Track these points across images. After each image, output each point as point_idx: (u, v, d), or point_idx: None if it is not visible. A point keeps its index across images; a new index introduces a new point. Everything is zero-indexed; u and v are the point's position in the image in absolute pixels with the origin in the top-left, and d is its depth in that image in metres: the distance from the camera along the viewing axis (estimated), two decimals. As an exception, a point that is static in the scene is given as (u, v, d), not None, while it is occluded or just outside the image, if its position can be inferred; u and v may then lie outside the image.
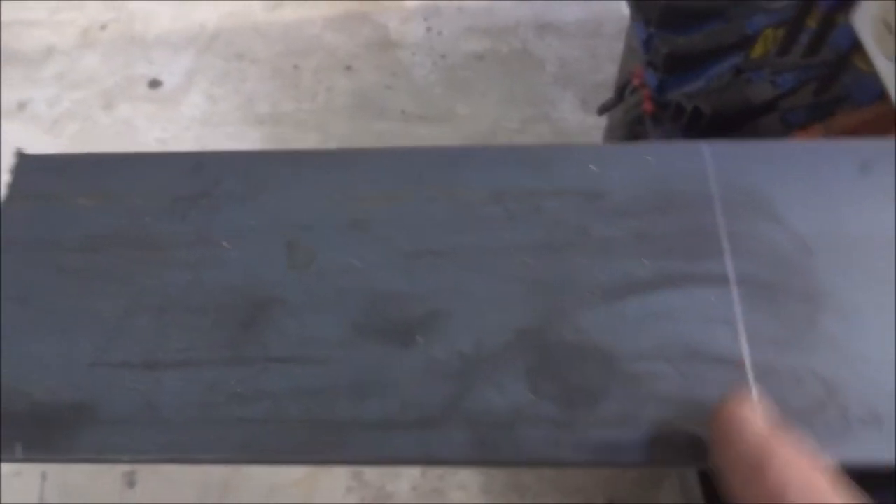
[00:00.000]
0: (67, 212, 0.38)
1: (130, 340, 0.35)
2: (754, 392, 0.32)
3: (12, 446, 0.33)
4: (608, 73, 1.74)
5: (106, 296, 0.36)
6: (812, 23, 0.80)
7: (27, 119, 1.81)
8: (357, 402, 0.33)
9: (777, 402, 0.32)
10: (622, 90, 1.16)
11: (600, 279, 0.35)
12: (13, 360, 0.35)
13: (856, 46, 0.72)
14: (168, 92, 1.85)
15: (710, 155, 0.38)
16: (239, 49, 1.91)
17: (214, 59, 1.90)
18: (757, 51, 0.89)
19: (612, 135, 1.37)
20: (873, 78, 0.69)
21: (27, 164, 0.40)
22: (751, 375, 0.33)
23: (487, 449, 0.32)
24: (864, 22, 0.64)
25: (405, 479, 1.29)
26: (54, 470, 1.31)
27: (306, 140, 1.73)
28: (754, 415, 0.29)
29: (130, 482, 1.30)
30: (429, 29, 1.93)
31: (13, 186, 0.39)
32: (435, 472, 1.29)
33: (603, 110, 1.26)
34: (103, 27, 1.98)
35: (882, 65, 0.63)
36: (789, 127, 0.80)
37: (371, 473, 1.29)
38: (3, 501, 1.29)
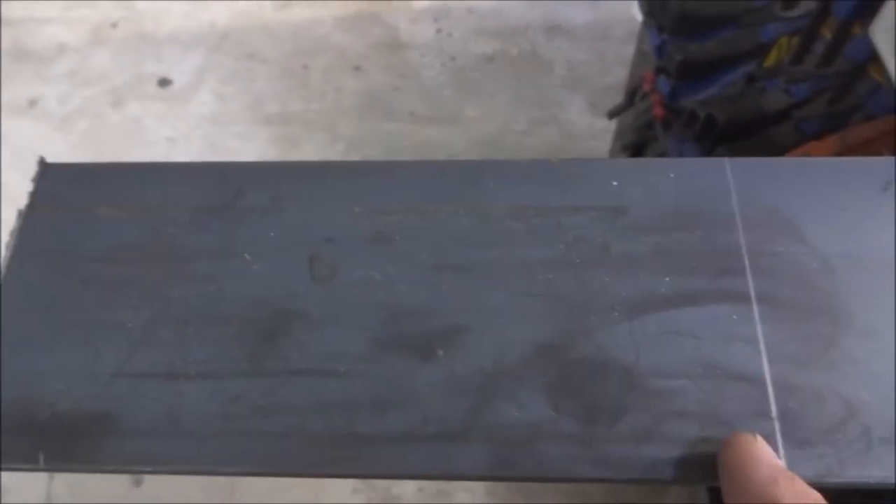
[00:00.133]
0: (90, 221, 0.38)
1: (153, 352, 0.35)
2: (774, 411, 0.32)
3: (35, 456, 0.33)
4: (617, 76, 1.74)
5: (128, 307, 0.36)
6: (827, 32, 0.80)
7: (38, 116, 1.82)
8: (378, 416, 0.33)
9: (798, 420, 0.32)
10: (632, 95, 1.16)
11: (621, 295, 0.35)
12: (36, 370, 0.35)
13: (872, 57, 0.72)
14: (177, 90, 1.85)
15: (732, 172, 0.38)
16: (249, 48, 1.92)
17: (224, 59, 1.90)
18: (771, 59, 0.89)
19: (621, 139, 1.37)
20: (889, 89, 0.69)
21: (49, 173, 0.40)
22: (771, 393, 0.33)
23: (507, 464, 0.32)
24: (883, 33, 0.64)
25: (411, 481, 1.29)
26: (62, 467, 1.31)
27: (315, 140, 1.74)
28: (765, 453, 0.29)
29: (137, 481, 1.30)
30: (438, 30, 1.93)
31: (35, 195, 0.39)
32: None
33: (613, 114, 1.26)
34: (114, 25, 1.99)
35: (899, 76, 0.63)
36: (803, 136, 0.80)
37: (377, 475, 1.29)
38: (11, 498, 1.30)
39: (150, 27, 1.98)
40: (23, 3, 2.03)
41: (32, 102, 1.84)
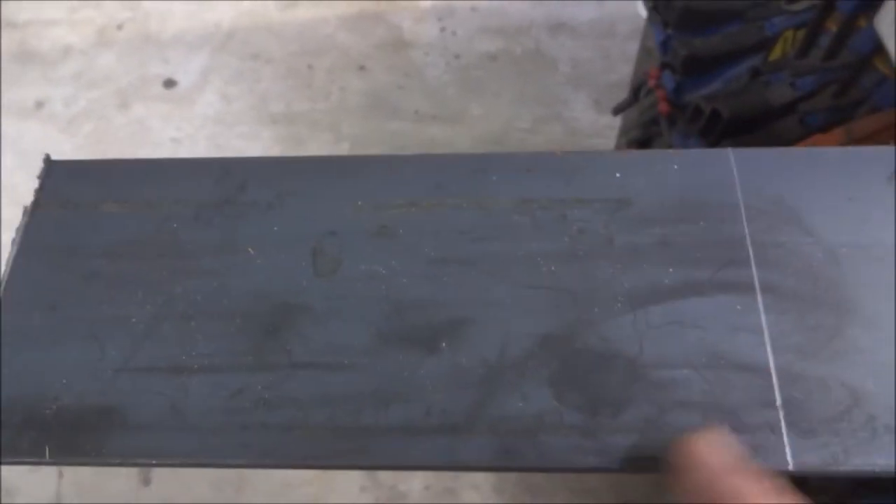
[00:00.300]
0: (94, 218, 0.38)
1: (157, 346, 0.35)
2: (778, 400, 0.32)
3: (41, 449, 0.33)
4: (621, 73, 1.74)
5: (133, 302, 0.36)
6: (832, 25, 0.79)
7: (44, 118, 1.83)
8: (381, 409, 0.33)
9: (802, 410, 0.32)
10: (637, 91, 1.16)
11: (625, 287, 0.35)
12: (42, 365, 0.35)
13: (877, 49, 0.71)
14: (183, 91, 1.86)
15: (736, 163, 0.38)
16: (253, 49, 1.92)
17: (229, 59, 1.91)
18: (776, 53, 0.89)
19: (626, 135, 1.37)
20: (894, 81, 0.69)
21: (54, 171, 0.40)
22: (776, 383, 0.33)
23: (511, 455, 0.32)
24: (887, 24, 0.63)
25: (418, 479, 1.29)
26: (71, 468, 1.32)
27: (319, 139, 1.74)
28: (712, 450, 0.29)
29: (146, 480, 1.31)
30: (442, 29, 1.93)
31: (41, 192, 0.39)
32: (448, 472, 1.29)
33: (618, 111, 1.26)
34: (120, 27, 1.99)
35: (904, 68, 0.62)
36: (809, 130, 0.80)
37: (384, 473, 1.29)
38: (21, 498, 1.30)
39: (155, 28, 1.99)
40: (29, 6, 2.04)
41: (39, 104, 1.85)
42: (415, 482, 1.29)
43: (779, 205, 0.36)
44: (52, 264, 0.37)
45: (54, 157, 0.41)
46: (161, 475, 1.31)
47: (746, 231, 0.36)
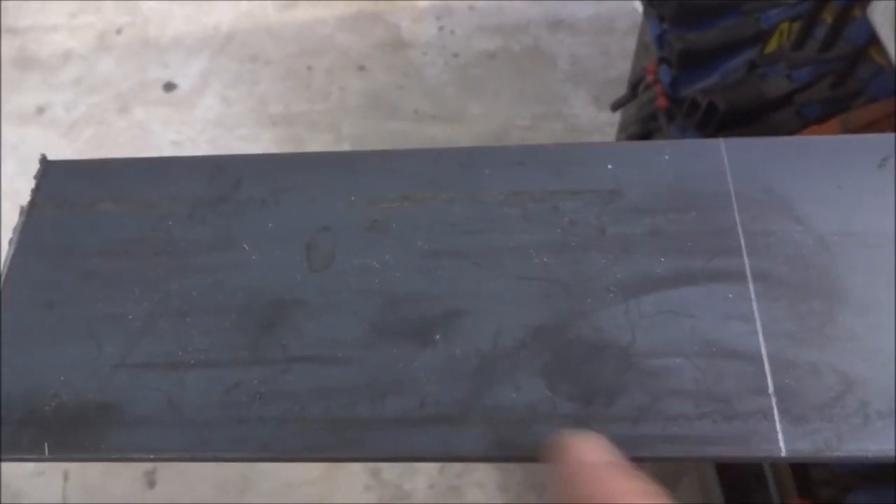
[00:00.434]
0: (91, 217, 0.39)
1: (154, 342, 0.35)
2: (770, 387, 0.32)
3: (40, 446, 0.34)
4: (620, 69, 1.74)
5: (129, 299, 0.36)
6: (828, 16, 0.79)
7: (45, 123, 1.84)
8: (376, 401, 0.33)
9: (795, 396, 0.32)
10: (635, 86, 1.16)
11: (617, 277, 0.35)
12: (40, 363, 0.35)
13: (873, 39, 0.71)
14: (182, 95, 1.87)
15: (727, 152, 0.38)
16: (252, 50, 1.92)
17: (228, 62, 1.91)
18: (772, 45, 0.89)
19: (625, 131, 1.37)
20: (890, 71, 0.69)
21: (51, 171, 0.40)
22: (768, 370, 0.33)
23: (505, 445, 0.32)
24: (882, 14, 0.63)
25: (422, 478, 1.29)
26: (76, 470, 1.33)
27: (319, 140, 1.74)
28: (586, 448, 0.30)
29: (151, 482, 1.31)
30: (441, 28, 1.93)
31: (38, 192, 0.40)
32: (452, 470, 1.29)
33: (616, 107, 1.26)
34: (119, 31, 2.00)
35: (899, 58, 0.62)
36: (805, 121, 0.80)
37: (389, 472, 1.29)
38: (26, 501, 1.31)
39: (155, 32, 1.99)
40: (29, 12, 2.05)
41: (40, 110, 1.86)
42: (419, 481, 1.30)
43: (770, 193, 0.37)
44: (50, 263, 0.38)
45: (55, 161, 0.41)
46: (166, 477, 1.32)
47: (738, 220, 0.36)
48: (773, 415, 0.32)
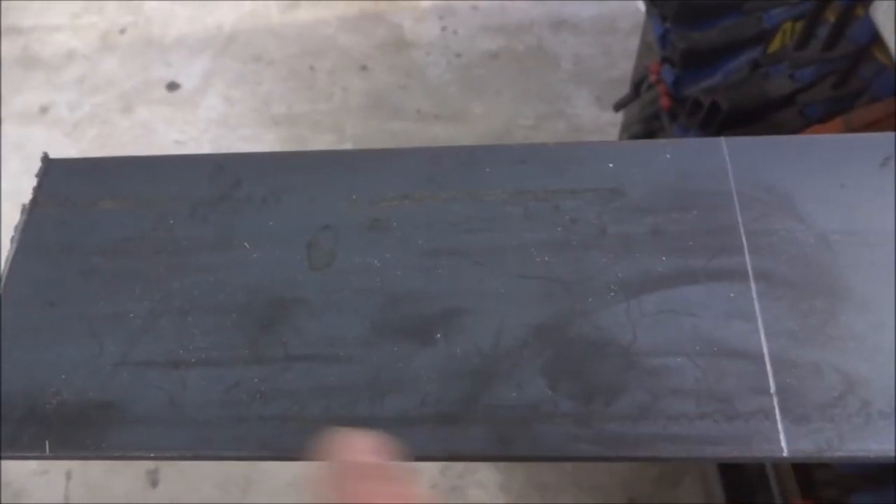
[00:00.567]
0: (93, 215, 0.39)
1: (155, 341, 0.35)
2: (772, 387, 0.32)
3: (41, 444, 0.34)
4: (623, 69, 1.73)
5: (130, 298, 0.36)
6: (830, 16, 0.79)
7: (49, 123, 1.84)
8: (377, 400, 0.33)
9: (797, 396, 0.32)
10: (638, 86, 1.16)
11: (619, 276, 0.35)
12: (41, 361, 0.35)
13: (875, 39, 0.71)
14: (185, 94, 1.87)
15: (729, 151, 0.38)
16: (255, 51, 1.93)
17: (231, 62, 1.91)
18: (774, 45, 0.89)
19: (628, 131, 1.37)
20: (893, 70, 0.69)
21: (53, 169, 0.41)
22: (770, 370, 0.33)
23: (506, 444, 0.32)
24: (885, 14, 0.63)
25: (424, 478, 1.29)
26: (79, 470, 1.33)
27: (322, 140, 1.74)
28: (347, 449, 0.29)
29: (153, 481, 1.31)
30: (444, 28, 1.93)
31: (39, 191, 0.40)
32: (454, 470, 1.29)
33: (619, 106, 1.26)
34: (122, 31, 2.00)
35: (902, 57, 0.62)
36: (808, 121, 0.80)
37: (390, 471, 1.29)
38: (29, 500, 1.31)
39: (158, 32, 2.00)
40: (32, 12, 2.05)
41: (43, 109, 1.86)
42: (421, 481, 1.29)
43: (771, 192, 0.36)
44: (51, 262, 0.38)
45: (58, 161, 0.41)
46: (168, 476, 1.32)
47: (739, 219, 0.36)
48: (774, 414, 0.32)
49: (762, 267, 0.35)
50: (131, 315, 0.36)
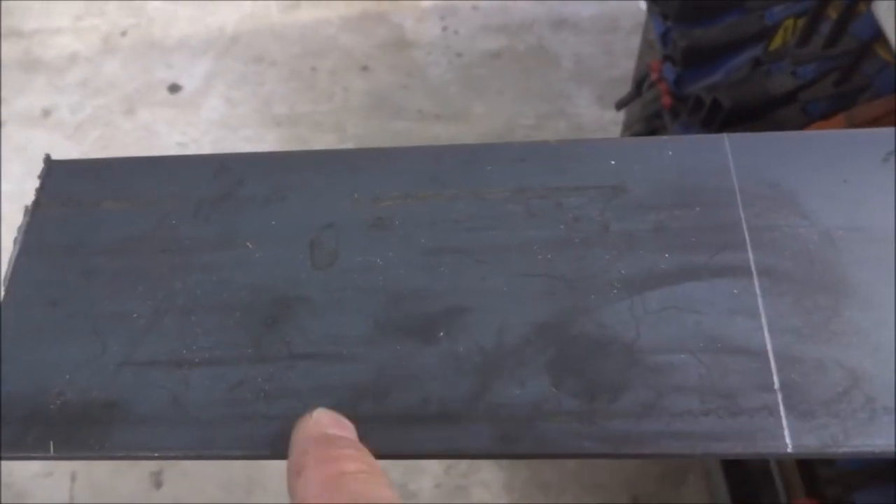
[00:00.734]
0: (95, 216, 0.39)
1: (158, 341, 0.35)
2: (776, 383, 0.32)
3: (45, 444, 0.34)
4: (624, 68, 1.73)
5: (134, 298, 0.36)
6: (832, 12, 0.79)
7: (51, 126, 1.84)
8: (380, 398, 0.33)
9: (801, 392, 0.32)
10: (640, 85, 1.16)
11: (622, 273, 0.35)
12: (45, 362, 0.35)
13: (877, 35, 0.71)
14: (187, 96, 1.87)
15: (731, 147, 0.38)
16: (256, 52, 1.93)
17: (233, 63, 1.92)
18: (776, 42, 0.89)
19: (629, 130, 1.37)
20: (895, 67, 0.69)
21: (55, 170, 0.41)
22: (773, 366, 0.33)
23: (509, 442, 0.32)
24: (887, 10, 0.63)
25: (428, 477, 1.29)
26: (83, 471, 1.33)
27: (324, 141, 1.75)
28: (309, 423, 0.30)
29: (157, 482, 1.31)
30: (445, 28, 1.93)
31: (42, 192, 0.40)
32: (458, 469, 1.29)
33: (621, 105, 1.26)
34: (124, 33, 2.01)
35: (905, 53, 0.62)
36: (810, 118, 0.79)
37: (394, 472, 1.29)
38: (34, 501, 1.31)
39: (159, 34, 2.00)
40: (34, 15, 2.05)
41: (46, 112, 1.87)
42: (425, 481, 1.29)
43: (774, 188, 0.36)
44: (54, 262, 0.38)
45: (61, 163, 0.41)
46: (172, 477, 1.32)
47: (742, 215, 0.36)
48: (778, 410, 0.32)
49: (765, 263, 0.35)
50: (134, 315, 0.36)
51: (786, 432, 0.31)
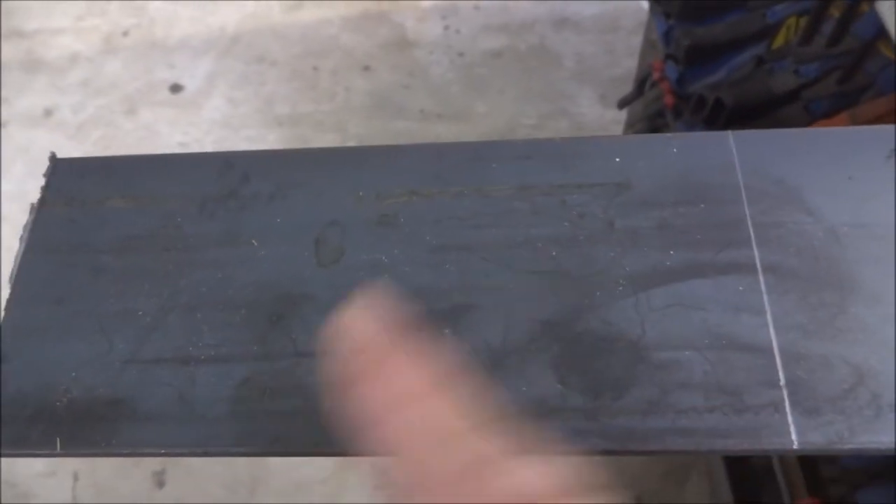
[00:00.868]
0: (101, 214, 0.39)
1: (164, 338, 0.35)
2: (782, 380, 0.32)
3: (51, 441, 0.34)
4: (626, 67, 1.73)
5: (139, 295, 0.37)
6: (835, 11, 0.79)
7: (53, 126, 1.84)
8: None
9: (806, 388, 0.32)
10: (642, 84, 1.15)
11: (626, 270, 0.35)
12: (51, 360, 0.35)
13: (880, 34, 0.71)
14: (189, 96, 1.87)
15: (736, 144, 0.38)
16: (258, 52, 1.93)
17: (234, 63, 1.92)
18: (779, 41, 0.89)
19: (631, 129, 1.36)
20: (898, 65, 0.68)
21: (60, 168, 0.41)
22: (779, 363, 0.33)
23: (515, 439, 0.32)
24: (890, 8, 0.63)
25: (430, 477, 1.29)
26: (86, 470, 1.33)
27: (325, 140, 1.75)
28: (356, 321, 0.26)
29: (160, 482, 1.31)
30: (446, 27, 1.93)
31: (47, 190, 0.40)
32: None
33: (623, 104, 1.26)
34: (125, 33, 2.01)
35: (908, 51, 0.62)
36: (813, 117, 0.79)
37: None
38: (37, 501, 1.31)
39: (161, 34, 2.00)
40: (35, 15, 2.06)
41: (48, 112, 1.87)
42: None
43: (779, 185, 0.36)
44: (60, 260, 0.38)
45: (63, 162, 0.41)
46: (175, 477, 1.32)
47: (747, 212, 0.36)
48: (784, 407, 0.32)
49: (771, 260, 0.35)
50: (140, 312, 0.36)
51: (792, 429, 0.31)
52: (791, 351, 0.33)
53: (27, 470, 1.32)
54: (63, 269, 0.38)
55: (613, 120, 1.67)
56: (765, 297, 0.34)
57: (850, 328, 0.33)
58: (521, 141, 0.39)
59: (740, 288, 0.34)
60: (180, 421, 0.34)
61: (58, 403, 0.34)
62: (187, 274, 0.37)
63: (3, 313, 0.37)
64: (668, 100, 1.02)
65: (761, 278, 0.34)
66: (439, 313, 0.35)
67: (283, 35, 1.96)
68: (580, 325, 0.34)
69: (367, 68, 1.87)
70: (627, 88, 1.26)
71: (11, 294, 0.37)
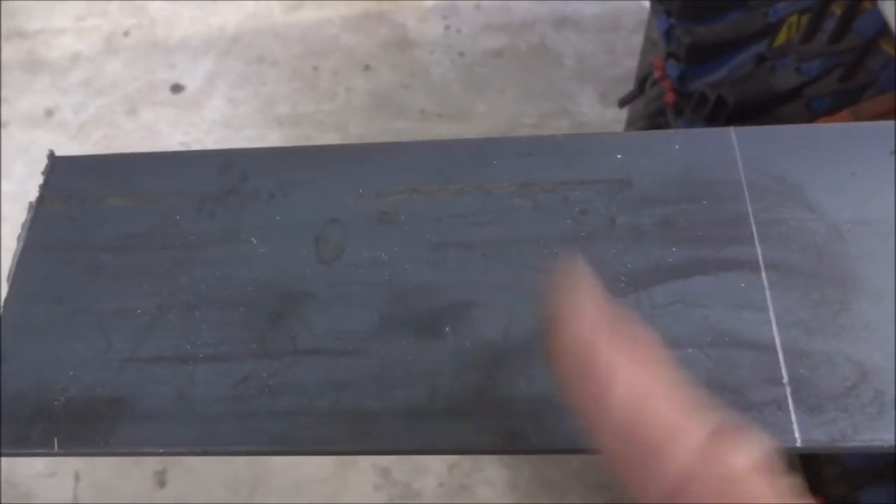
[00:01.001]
0: (99, 212, 0.39)
1: (163, 336, 0.35)
2: (785, 377, 0.32)
3: (49, 440, 0.34)
4: (626, 66, 1.73)
5: (138, 294, 0.36)
6: (837, 9, 0.79)
7: (54, 126, 1.84)
8: (386, 393, 0.33)
9: (809, 386, 0.32)
10: (643, 82, 1.15)
11: (628, 267, 0.35)
12: (50, 358, 0.35)
13: (883, 31, 0.71)
14: (190, 96, 1.87)
15: (738, 140, 0.37)
16: (258, 52, 1.93)
17: (235, 63, 1.92)
18: (780, 38, 0.88)
19: (632, 127, 1.36)
20: (901, 62, 0.68)
21: (59, 167, 0.41)
22: (782, 360, 0.32)
23: (516, 437, 0.32)
24: (892, 6, 0.63)
25: (432, 476, 1.29)
26: (87, 470, 1.33)
27: (326, 140, 1.74)
28: (580, 313, 0.25)
29: (161, 482, 1.31)
30: (447, 27, 1.93)
31: (46, 188, 0.40)
32: (461, 468, 1.29)
33: (624, 103, 1.25)
34: (126, 33, 2.01)
35: (910, 48, 0.62)
36: (815, 114, 0.79)
37: (398, 471, 1.29)
38: (37, 501, 1.31)
39: (162, 34, 2.00)
40: (36, 15, 2.06)
41: (49, 113, 1.87)
42: (429, 480, 1.29)
43: (781, 182, 0.36)
44: (58, 259, 0.38)
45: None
46: (176, 476, 1.32)
47: (749, 209, 0.36)
48: (787, 405, 0.31)
49: (773, 257, 0.35)
50: (139, 311, 0.36)
51: (795, 427, 0.31)
52: (794, 348, 0.32)
53: (28, 470, 1.32)
54: (61, 268, 0.38)
55: (614, 119, 1.67)
56: (767, 294, 0.34)
57: (852, 325, 0.33)
58: (523, 138, 0.39)
59: (742, 285, 0.34)
60: (179, 420, 0.33)
61: (56, 402, 0.34)
62: (186, 272, 0.37)
63: (1, 312, 0.37)
64: (670, 98, 1.01)
65: (764, 275, 0.34)
66: (440, 311, 0.35)
67: (284, 35, 1.95)
68: None
69: (367, 68, 1.87)
70: (628, 87, 1.26)
71: (10, 293, 0.37)
